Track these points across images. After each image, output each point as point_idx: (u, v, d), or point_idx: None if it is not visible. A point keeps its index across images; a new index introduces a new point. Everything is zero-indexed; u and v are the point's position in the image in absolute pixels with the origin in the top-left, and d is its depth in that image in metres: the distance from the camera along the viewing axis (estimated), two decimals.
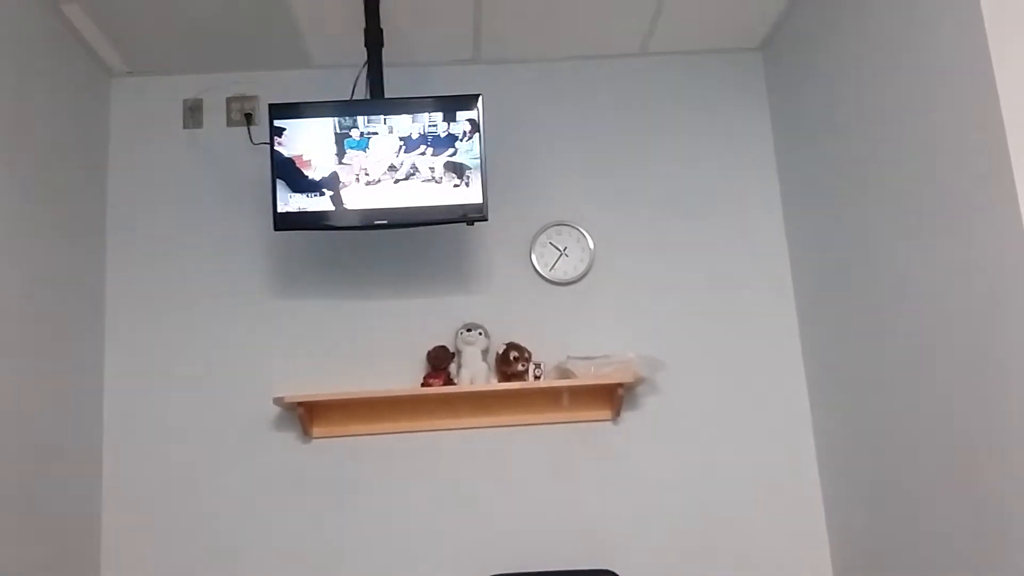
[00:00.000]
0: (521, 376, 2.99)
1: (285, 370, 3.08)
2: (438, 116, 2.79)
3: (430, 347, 3.05)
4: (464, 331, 3.01)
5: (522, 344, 3.04)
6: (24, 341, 2.55)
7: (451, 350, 3.04)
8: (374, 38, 2.89)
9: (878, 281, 2.54)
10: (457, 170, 2.79)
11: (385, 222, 2.77)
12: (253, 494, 3.00)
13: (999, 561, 2.03)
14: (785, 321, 3.15)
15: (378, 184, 2.77)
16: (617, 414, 3.07)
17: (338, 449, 3.04)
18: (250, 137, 3.19)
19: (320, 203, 2.77)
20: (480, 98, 2.81)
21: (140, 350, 3.08)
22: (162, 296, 3.11)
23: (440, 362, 3.01)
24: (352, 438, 3.04)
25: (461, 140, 2.79)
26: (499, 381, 3.02)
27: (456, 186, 2.78)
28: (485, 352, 3.02)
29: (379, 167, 2.78)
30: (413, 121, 2.79)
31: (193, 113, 3.23)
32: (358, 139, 2.78)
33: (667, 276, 3.17)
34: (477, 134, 2.79)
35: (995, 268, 1.98)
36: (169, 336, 3.09)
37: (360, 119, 2.79)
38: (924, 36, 2.21)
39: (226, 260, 3.14)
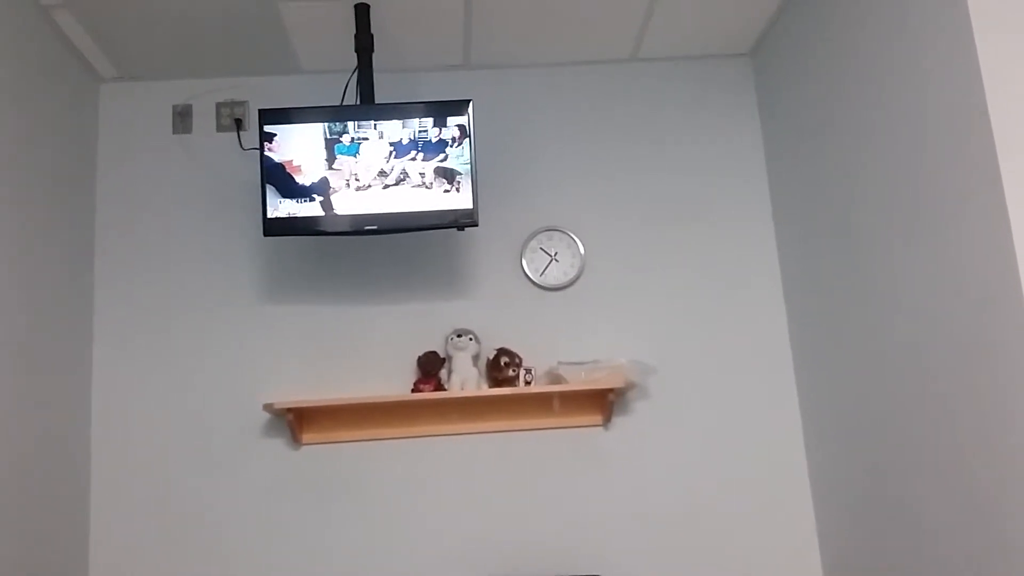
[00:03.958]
0: (512, 382, 2.98)
1: (274, 376, 3.07)
2: (428, 121, 2.79)
3: (420, 353, 3.04)
4: (455, 336, 3.01)
5: (513, 350, 3.03)
6: (10, 346, 2.54)
7: (441, 356, 3.03)
8: (364, 43, 2.89)
9: (868, 285, 2.55)
10: (447, 175, 2.78)
11: (375, 228, 2.77)
12: (242, 501, 2.99)
13: (993, 563, 2.03)
14: (775, 325, 3.16)
15: (368, 189, 2.76)
16: (608, 419, 3.06)
17: (328, 455, 3.03)
18: (240, 142, 3.19)
19: (310, 208, 2.76)
20: (470, 103, 2.81)
21: (128, 355, 3.06)
22: (151, 301, 3.10)
23: (431, 368, 3.01)
24: (342, 444, 3.03)
25: (451, 145, 2.79)
26: (490, 387, 3.01)
27: (446, 191, 2.78)
28: (476, 358, 3.02)
29: (369, 172, 2.77)
30: (403, 126, 2.78)
31: (182, 118, 3.22)
32: (348, 144, 2.78)
33: (658, 281, 3.18)
34: (467, 139, 2.79)
35: (984, 271, 1.98)
36: (158, 341, 3.08)
37: (350, 124, 2.78)
38: (913, 42, 2.22)
39: (215, 266, 3.13)
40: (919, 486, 2.32)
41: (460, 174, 2.78)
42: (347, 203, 2.75)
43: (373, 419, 3.03)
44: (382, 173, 2.77)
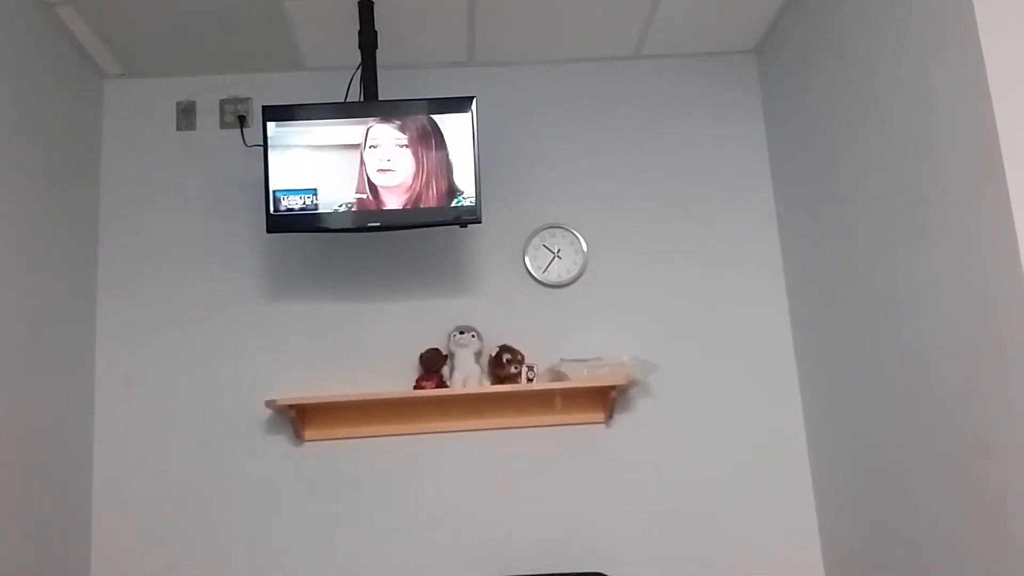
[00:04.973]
0: (514, 379, 2.98)
1: (277, 372, 3.07)
2: (432, 118, 2.79)
3: (423, 349, 3.04)
4: (457, 333, 3.01)
5: (515, 347, 3.03)
6: (15, 344, 2.54)
7: (444, 352, 3.03)
8: (368, 40, 2.89)
9: (871, 284, 2.54)
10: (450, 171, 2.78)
11: (378, 224, 2.77)
12: (244, 497, 2.99)
13: (995, 562, 2.03)
14: (778, 324, 3.16)
15: (373, 186, 2.77)
16: (610, 417, 3.06)
17: (330, 452, 3.03)
18: (243, 139, 3.19)
19: (313, 205, 2.76)
20: (474, 100, 2.81)
21: (131, 352, 3.07)
22: (154, 298, 3.10)
23: (433, 364, 3.01)
24: (344, 441, 3.03)
25: (455, 143, 2.78)
26: (492, 384, 3.01)
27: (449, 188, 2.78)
28: (478, 355, 3.02)
29: (373, 168, 2.77)
30: (407, 123, 2.78)
31: (186, 115, 3.23)
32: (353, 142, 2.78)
33: (660, 279, 3.17)
34: (471, 136, 2.79)
35: (988, 272, 1.98)
36: (161, 338, 3.08)
37: (353, 121, 2.78)
38: (918, 40, 2.22)
39: (219, 262, 3.14)
40: (921, 486, 2.32)
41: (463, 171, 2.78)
42: (350, 199, 2.76)
43: (375, 416, 3.04)
44: (385, 170, 2.77)
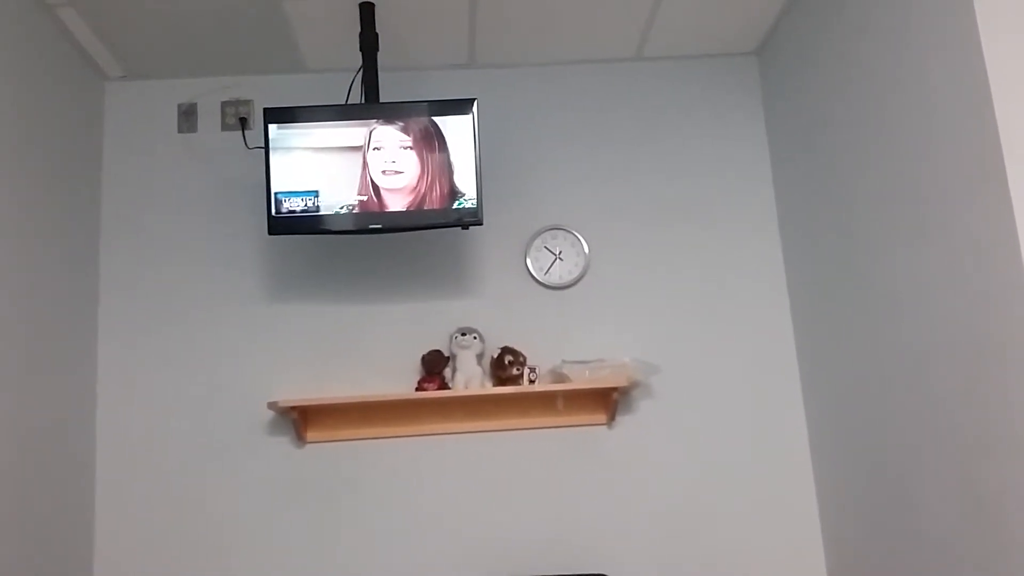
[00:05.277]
0: (516, 380, 2.98)
1: (279, 374, 3.07)
2: (433, 120, 2.79)
3: (425, 351, 3.04)
4: (459, 335, 3.01)
5: (517, 348, 3.03)
6: (16, 345, 2.55)
7: (446, 354, 3.04)
8: (369, 42, 2.90)
9: (873, 285, 2.54)
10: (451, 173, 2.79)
11: (380, 226, 2.77)
12: (246, 499, 3.00)
13: (996, 562, 2.03)
14: (780, 325, 3.15)
15: (374, 188, 2.77)
16: (612, 418, 3.06)
17: (332, 454, 3.03)
18: (245, 141, 3.19)
19: (314, 207, 2.76)
20: (475, 102, 2.81)
21: (133, 353, 3.07)
22: (155, 300, 3.11)
23: (435, 366, 3.01)
24: (346, 443, 3.03)
25: (456, 144, 2.79)
26: (494, 385, 3.01)
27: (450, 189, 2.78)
28: (480, 356, 3.02)
29: (375, 170, 2.77)
30: (409, 125, 2.78)
31: (187, 117, 3.23)
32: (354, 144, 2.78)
33: (662, 280, 3.17)
34: (472, 138, 2.79)
35: (988, 272, 1.98)
36: (163, 339, 3.08)
37: (355, 123, 2.78)
38: (918, 41, 2.22)
39: (220, 264, 3.14)
40: (924, 487, 2.32)
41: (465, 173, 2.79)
42: (351, 201, 2.76)
43: (377, 418, 3.04)
44: (391, 172, 2.77)
